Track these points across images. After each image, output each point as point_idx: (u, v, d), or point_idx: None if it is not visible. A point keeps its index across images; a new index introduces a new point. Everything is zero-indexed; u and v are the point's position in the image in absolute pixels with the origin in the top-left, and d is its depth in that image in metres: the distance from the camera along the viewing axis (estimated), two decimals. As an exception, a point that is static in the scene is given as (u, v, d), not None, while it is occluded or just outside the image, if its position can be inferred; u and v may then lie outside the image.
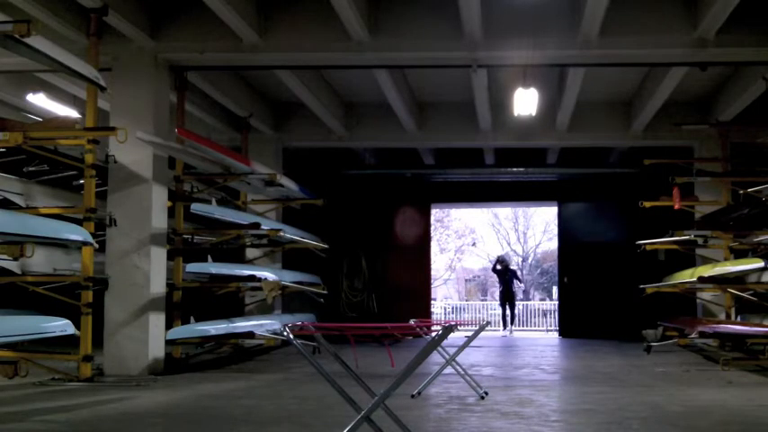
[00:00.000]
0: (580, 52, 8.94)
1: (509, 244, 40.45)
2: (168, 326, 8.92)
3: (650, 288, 11.69)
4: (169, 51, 8.85)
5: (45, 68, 8.23)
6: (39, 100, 10.36)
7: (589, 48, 8.79)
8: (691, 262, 12.48)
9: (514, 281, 19.85)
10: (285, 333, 4.06)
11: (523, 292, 39.08)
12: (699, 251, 12.23)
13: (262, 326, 10.03)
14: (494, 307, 30.54)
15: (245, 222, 10.35)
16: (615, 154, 15.42)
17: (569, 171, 15.89)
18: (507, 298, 18.78)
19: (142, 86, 8.70)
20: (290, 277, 10.92)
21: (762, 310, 10.55)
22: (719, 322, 10.80)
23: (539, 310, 28.00)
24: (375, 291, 15.96)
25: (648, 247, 12.02)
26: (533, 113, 10.96)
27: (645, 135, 12.87)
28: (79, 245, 7.62)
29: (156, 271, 8.55)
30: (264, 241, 11.44)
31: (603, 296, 15.11)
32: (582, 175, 15.86)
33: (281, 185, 10.79)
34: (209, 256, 10.38)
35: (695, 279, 10.42)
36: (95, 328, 7.76)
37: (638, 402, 6.26)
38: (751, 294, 10.33)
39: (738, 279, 10.03)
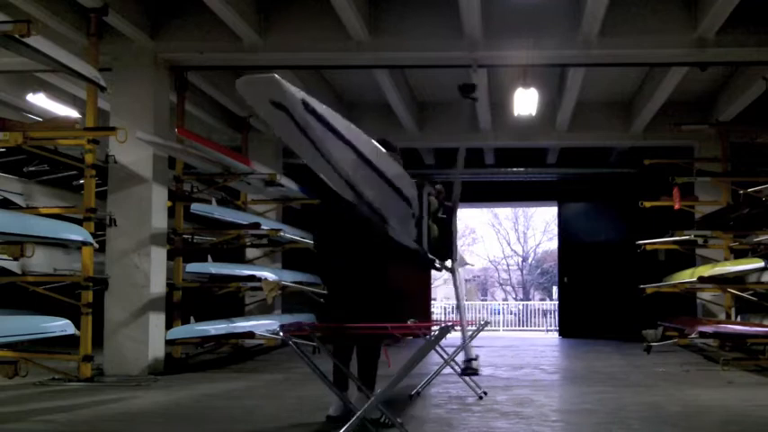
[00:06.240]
0: (580, 52, 8.94)
1: (509, 244, 40.52)
2: (168, 326, 8.93)
3: (650, 288, 11.67)
4: (169, 51, 8.85)
5: (45, 68, 8.23)
6: (39, 100, 10.35)
7: (589, 48, 8.80)
8: (691, 262, 12.46)
9: None
10: (281, 334, 4.06)
11: (524, 291, 39.11)
12: (699, 251, 12.21)
13: (262, 326, 10.03)
14: (494, 307, 30.59)
15: (245, 222, 10.35)
16: (615, 154, 15.41)
17: (569, 171, 15.88)
18: None
19: (142, 86, 8.69)
20: (290, 277, 10.91)
21: (762, 310, 10.54)
22: (719, 322, 10.78)
23: (539, 310, 28.01)
24: None
25: (648, 247, 12.00)
26: (533, 113, 10.97)
27: (645, 135, 12.86)
28: (79, 245, 7.62)
29: (156, 271, 8.55)
30: (264, 241, 11.44)
31: (603, 296, 15.09)
32: (582, 175, 15.84)
33: (281, 185, 10.78)
34: (209, 256, 10.38)
35: (695, 279, 10.41)
36: (95, 328, 7.76)
37: (638, 402, 6.25)
38: (751, 294, 10.32)
39: (738, 279, 10.03)
